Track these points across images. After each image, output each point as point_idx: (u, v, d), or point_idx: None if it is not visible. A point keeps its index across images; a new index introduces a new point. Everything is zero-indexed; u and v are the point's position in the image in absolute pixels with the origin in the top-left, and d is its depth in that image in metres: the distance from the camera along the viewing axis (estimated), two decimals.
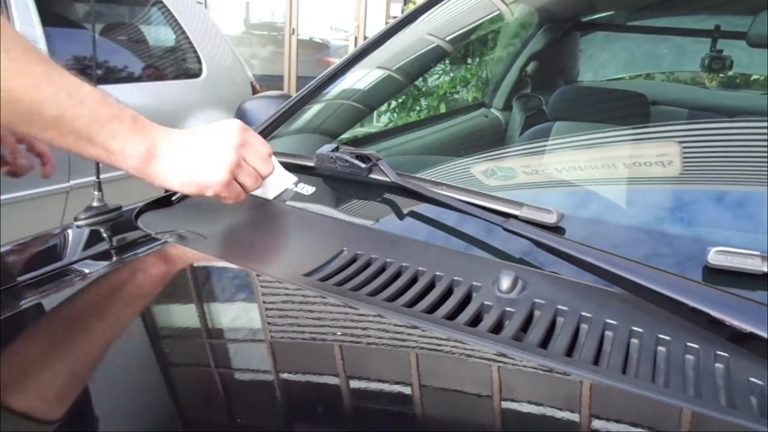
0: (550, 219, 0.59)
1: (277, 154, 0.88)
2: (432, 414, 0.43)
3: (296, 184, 0.81)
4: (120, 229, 0.75)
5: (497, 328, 0.51)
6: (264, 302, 0.58)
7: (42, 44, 2.16)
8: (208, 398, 0.44)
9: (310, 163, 0.79)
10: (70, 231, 0.75)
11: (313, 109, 1.07)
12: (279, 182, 0.81)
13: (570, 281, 0.55)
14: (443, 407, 0.44)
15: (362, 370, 0.47)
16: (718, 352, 0.46)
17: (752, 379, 0.44)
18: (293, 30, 6.63)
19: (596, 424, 0.41)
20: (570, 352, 0.47)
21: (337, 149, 0.77)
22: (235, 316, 0.57)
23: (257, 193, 0.80)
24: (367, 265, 0.61)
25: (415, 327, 0.51)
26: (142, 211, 0.80)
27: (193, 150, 0.66)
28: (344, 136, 1.10)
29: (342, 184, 0.78)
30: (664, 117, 1.10)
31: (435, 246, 0.63)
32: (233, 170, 0.67)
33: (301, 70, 6.68)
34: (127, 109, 0.63)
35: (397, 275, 0.59)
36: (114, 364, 0.49)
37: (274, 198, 0.80)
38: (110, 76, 2.23)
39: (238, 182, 0.69)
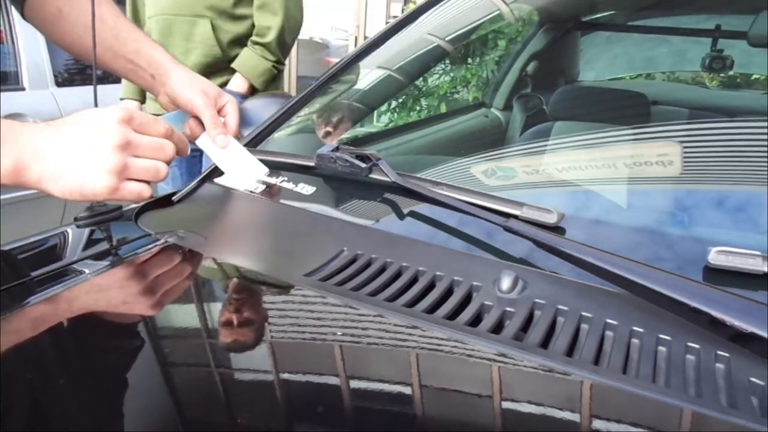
0: (551, 219, 0.59)
1: (277, 154, 0.88)
2: (432, 414, 0.43)
3: (269, 174, 0.81)
4: (120, 229, 0.75)
5: (497, 328, 0.51)
6: (264, 302, 0.58)
7: (42, 45, 2.16)
8: (208, 398, 0.44)
9: (311, 163, 0.79)
10: (70, 231, 0.75)
11: (313, 109, 1.07)
12: (250, 172, 0.81)
13: (570, 281, 0.55)
14: (443, 407, 0.44)
15: (362, 370, 0.47)
16: (719, 352, 0.46)
17: (753, 379, 0.43)
18: None
19: (597, 424, 0.41)
20: (570, 352, 0.47)
21: (337, 149, 0.77)
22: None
23: (227, 184, 0.81)
24: (368, 265, 0.61)
25: (415, 327, 0.51)
26: (142, 211, 0.80)
27: (69, 154, 0.59)
28: (344, 136, 1.10)
29: (342, 184, 0.78)
30: (664, 117, 1.10)
31: (435, 246, 0.63)
32: (119, 173, 0.60)
33: (301, 70, 6.67)
34: None
35: (397, 275, 0.59)
36: (113, 364, 0.49)
37: (245, 189, 0.80)
38: (110, 76, 2.24)
39: (134, 180, 0.62)
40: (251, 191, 0.80)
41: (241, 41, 1.62)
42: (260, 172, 0.81)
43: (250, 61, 1.61)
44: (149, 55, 0.81)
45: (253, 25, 1.62)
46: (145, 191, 0.63)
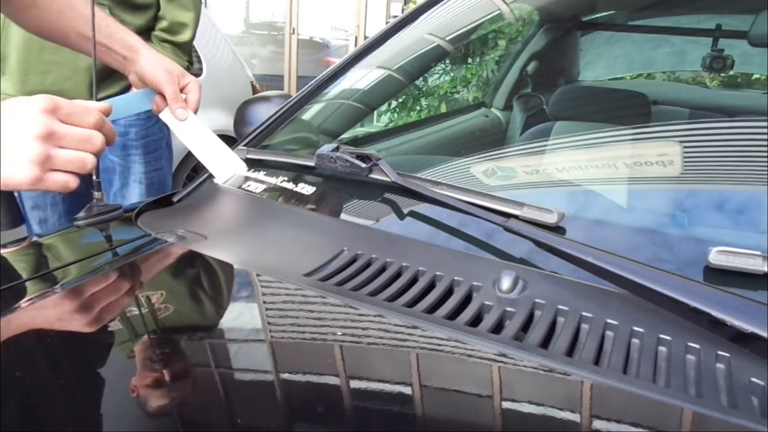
0: (551, 219, 0.59)
1: (277, 153, 0.88)
2: (432, 414, 0.43)
3: (248, 170, 0.84)
4: (120, 229, 0.75)
5: (498, 328, 0.51)
6: (264, 302, 0.58)
7: None
8: (208, 398, 0.44)
9: (311, 163, 0.79)
10: (69, 231, 0.75)
11: (313, 109, 1.07)
12: (228, 167, 0.85)
13: (570, 281, 0.55)
14: (443, 407, 0.44)
15: (362, 370, 0.47)
16: (719, 353, 0.46)
17: (753, 380, 0.43)
18: (293, 30, 6.64)
19: (597, 424, 0.41)
20: (571, 352, 0.47)
21: (337, 149, 0.76)
22: (235, 316, 0.57)
23: (226, 183, 0.83)
24: (368, 265, 0.61)
25: (415, 327, 0.51)
26: (142, 211, 0.80)
27: None
28: (344, 135, 1.10)
29: (342, 184, 0.78)
30: (665, 117, 1.10)
31: (435, 246, 0.63)
32: (41, 163, 0.59)
33: (301, 70, 6.68)
34: None
35: (397, 275, 0.59)
36: (114, 364, 0.49)
37: (224, 183, 0.83)
38: None
39: (59, 170, 0.61)
40: (252, 191, 0.80)
41: (143, 36, 1.19)
42: (238, 168, 0.85)
43: None
44: (122, 39, 0.86)
45: (154, 18, 1.35)
46: (71, 182, 0.62)
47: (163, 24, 1.34)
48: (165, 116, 0.85)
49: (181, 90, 0.86)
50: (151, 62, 0.85)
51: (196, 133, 0.85)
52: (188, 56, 1.42)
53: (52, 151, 0.60)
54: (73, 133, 0.62)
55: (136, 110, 0.89)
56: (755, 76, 1.38)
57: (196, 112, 0.86)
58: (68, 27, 0.85)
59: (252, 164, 0.85)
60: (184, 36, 1.37)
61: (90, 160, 0.63)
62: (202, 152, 0.85)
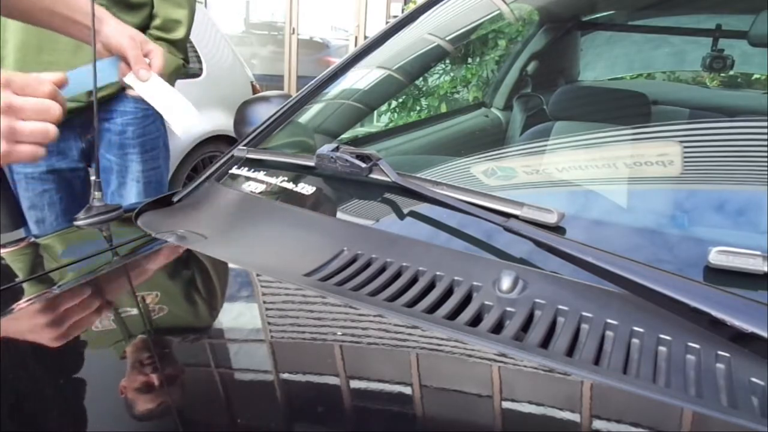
0: (551, 219, 0.59)
1: (277, 153, 0.88)
2: (432, 414, 0.43)
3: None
4: (120, 229, 0.75)
5: (498, 328, 0.51)
6: (264, 302, 0.58)
7: None
8: (208, 398, 0.44)
9: (311, 163, 0.79)
10: (69, 231, 0.75)
11: (313, 109, 1.07)
12: (182, 116, 0.88)
13: (571, 281, 0.55)
14: (443, 407, 0.44)
15: (362, 370, 0.47)
16: (719, 353, 0.46)
17: (753, 380, 0.43)
18: (293, 30, 6.64)
19: (597, 424, 0.41)
20: (571, 352, 0.47)
21: (337, 149, 0.76)
22: (236, 315, 0.57)
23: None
24: (368, 265, 0.61)
25: (415, 327, 0.51)
26: (142, 211, 0.80)
27: None
28: (344, 135, 1.10)
29: (342, 184, 0.78)
30: (665, 117, 1.10)
31: (435, 246, 0.63)
32: (7, 137, 0.61)
33: (301, 70, 6.68)
34: None
35: (397, 275, 0.59)
36: (113, 364, 0.49)
37: (182, 133, 0.88)
38: None
39: (24, 142, 0.62)
40: (252, 191, 0.80)
41: None
42: (192, 116, 0.88)
43: None
44: (84, 9, 0.88)
45: (149, 16, 1.35)
46: (39, 151, 0.64)
47: (156, 21, 1.34)
48: (129, 79, 0.87)
49: (145, 56, 0.87)
50: (114, 30, 0.86)
51: (159, 92, 0.88)
52: (184, 54, 1.42)
53: (14, 123, 0.61)
54: (32, 104, 0.63)
55: (103, 81, 0.88)
56: (755, 76, 1.38)
57: (159, 74, 0.89)
58: (34, 3, 0.86)
59: (252, 164, 0.85)
60: (178, 33, 1.37)
61: (52, 129, 0.64)
62: (163, 108, 0.88)
